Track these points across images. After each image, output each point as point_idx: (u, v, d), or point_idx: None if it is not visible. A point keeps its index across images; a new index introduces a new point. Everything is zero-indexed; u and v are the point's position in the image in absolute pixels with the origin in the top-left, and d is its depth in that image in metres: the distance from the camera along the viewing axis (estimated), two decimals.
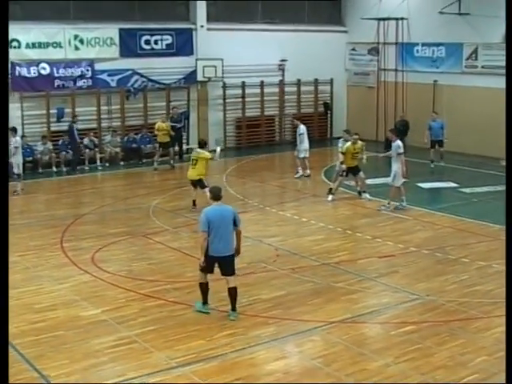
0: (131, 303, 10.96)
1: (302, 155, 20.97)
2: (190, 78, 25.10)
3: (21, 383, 8.38)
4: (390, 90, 26.74)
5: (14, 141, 18.88)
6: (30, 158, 21.91)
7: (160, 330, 9.89)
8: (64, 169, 22.37)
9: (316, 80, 28.17)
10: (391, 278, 12.19)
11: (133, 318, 10.34)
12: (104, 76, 23.62)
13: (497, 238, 14.15)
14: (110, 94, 23.95)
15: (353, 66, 28.96)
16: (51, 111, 22.75)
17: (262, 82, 26.82)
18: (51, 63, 22.61)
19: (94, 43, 23.35)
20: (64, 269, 12.68)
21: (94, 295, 11.33)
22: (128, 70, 24.01)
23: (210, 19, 25.54)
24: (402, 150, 16.83)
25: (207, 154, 16.65)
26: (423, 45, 26.10)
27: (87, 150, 22.89)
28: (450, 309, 10.75)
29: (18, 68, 21.95)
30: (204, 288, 10.46)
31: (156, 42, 24.64)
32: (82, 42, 23.11)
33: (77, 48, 23.05)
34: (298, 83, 27.81)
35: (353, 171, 18.09)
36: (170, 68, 24.53)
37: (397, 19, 25.92)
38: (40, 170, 22.11)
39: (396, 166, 16.81)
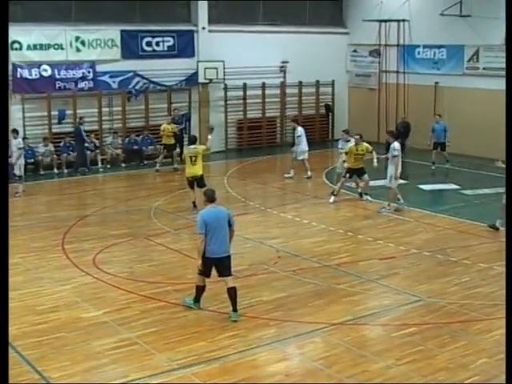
0: (132, 305, 10.96)
1: (300, 157, 20.95)
2: (192, 79, 25.11)
3: None
4: (392, 92, 26.73)
5: (17, 142, 18.92)
6: (32, 160, 21.92)
7: (161, 332, 9.90)
8: (65, 170, 22.38)
9: (317, 82, 28.17)
10: (392, 279, 12.19)
11: (134, 320, 10.35)
12: (105, 78, 23.63)
13: (498, 240, 14.15)
14: (112, 96, 23.95)
15: (354, 67, 28.98)
16: (52, 113, 22.74)
17: (264, 83, 26.82)
18: (52, 65, 22.62)
19: (96, 45, 23.36)
20: (65, 270, 12.69)
21: (96, 297, 11.34)
22: (129, 71, 24.02)
23: (211, 21, 25.55)
24: (396, 153, 16.72)
25: (204, 147, 16.99)
26: (424, 47, 26.11)
27: (88, 152, 22.90)
28: (451, 311, 10.75)
29: (19, 70, 21.96)
30: (200, 290, 10.56)
31: (157, 44, 24.65)
32: (83, 43, 23.13)
33: (78, 50, 23.07)
34: (300, 85, 27.80)
35: (358, 173, 18.03)
36: (171, 70, 24.54)
37: (398, 21, 25.92)
38: (41, 172, 22.10)
39: (391, 168, 16.80)
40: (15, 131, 18.96)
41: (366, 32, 27.01)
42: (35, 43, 22.29)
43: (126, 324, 10.21)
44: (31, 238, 14.83)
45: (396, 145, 16.86)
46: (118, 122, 24.23)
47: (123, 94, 23.91)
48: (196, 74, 24.97)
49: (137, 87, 24.20)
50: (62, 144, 22.75)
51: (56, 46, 22.67)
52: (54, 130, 22.95)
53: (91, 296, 11.36)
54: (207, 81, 25.13)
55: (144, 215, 16.82)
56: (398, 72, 26.61)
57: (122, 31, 23.83)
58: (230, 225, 10.29)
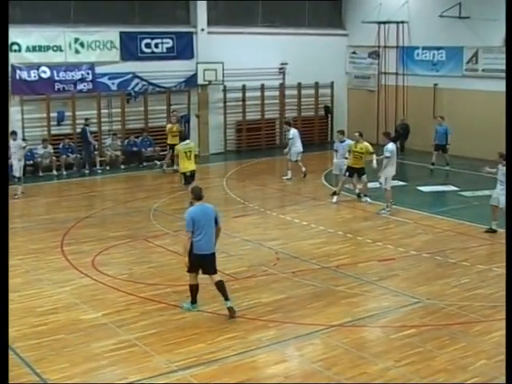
0: (131, 307, 10.96)
1: (294, 158, 21.09)
2: (191, 81, 25.11)
3: None
4: (391, 94, 26.75)
5: (18, 143, 18.93)
6: (31, 162, 21.93)
7: (160, 334, 9.90)
8: (64, 172, 22.38)
9: (316, 83, 28.16)
10: (391, 281, 12.19)
11: (133, 322, 10.35)
12: (104, 79, 23.63)
13: (497, 242, 14.16)
14: (111, 98, 23.95)
15: (353, 69, 28.98)
16: (51, 115, 22.75)
17: (263, 85, 26.82)
18: (51, 66, 22.63)
19: (95, 46, 23.37)
20: (64, 272, 12.68)
21: (95, 299, 11.34)
22: (128, 73, 24.02)
23: (210, 22, 25.56)
24: (389, 154, 16.71)
25: (193, 144, 18.47)
26: (424, 48, 26.12)
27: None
28: (451, 312, 10.75)
29: (18, 71, 21.96)
30: (194, 290, 10.60)
31: (156, 46, 24.65)
32: (82, 45, 23.13)
33: (77, 51, 23.08)
34: (299, 86, 27.80)
35: (358, 173, 18.06)
36: (170, 71, 24.53)
37: (397, 23, 25.96)
38: (40, 174, 22.08)
39: (386, 170, 16.79)
40: (14, 133, 18.95)
41: (365, 34, 27.05)
42: (34, 45, 22.30)
43: (125, 326, 10.21)
44: (30, 240, 14.82)
45: (389, 146, 16.79)
46: (117, 124, 24.22)
47: (122, 95, 23.90)
48: (195, 75, 24.96)
49: (136, 89, 24.19)
50: (61, 146, 22.75)
51: (55, 48, 22.67)
52: (53, 132, 22.95)
53: (90, 298, 11.36)
54: (206, 82, 25.12)
55: (143, 217, 16.82)
56: (397, 74, 26.62)
57: (121, 33, 23.83)
58: (216, 223, 10.42)
